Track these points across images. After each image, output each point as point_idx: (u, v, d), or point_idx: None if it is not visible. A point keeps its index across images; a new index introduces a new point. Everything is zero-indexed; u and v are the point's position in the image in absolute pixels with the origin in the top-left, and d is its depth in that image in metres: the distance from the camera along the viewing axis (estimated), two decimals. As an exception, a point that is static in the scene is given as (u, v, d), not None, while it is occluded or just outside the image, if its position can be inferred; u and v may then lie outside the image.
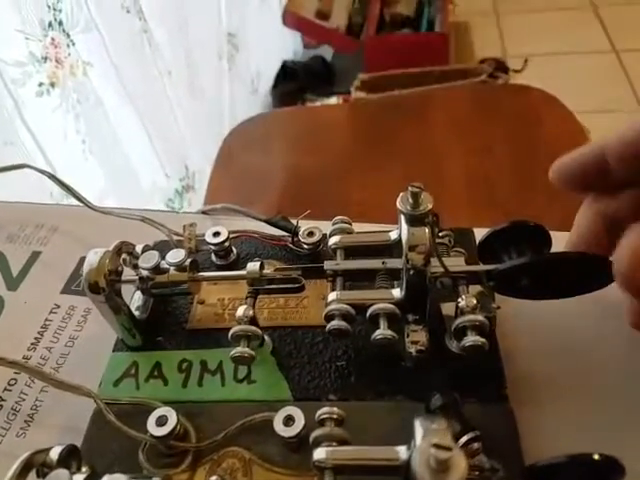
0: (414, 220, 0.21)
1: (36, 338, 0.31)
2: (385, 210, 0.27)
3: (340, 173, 0.71)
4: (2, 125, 0.51)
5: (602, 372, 0.24)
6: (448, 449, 0.13)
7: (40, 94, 0.55)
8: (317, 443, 0.19)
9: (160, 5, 0.84)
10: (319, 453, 0.18)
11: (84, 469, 0.21)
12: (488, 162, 0.63)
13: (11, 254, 0.36)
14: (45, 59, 0.55)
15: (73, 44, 0.59)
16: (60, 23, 0.57)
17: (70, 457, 0.20)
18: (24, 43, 0.53)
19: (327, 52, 1.84)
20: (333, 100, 1.53)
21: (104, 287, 0.23)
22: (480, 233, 0.26)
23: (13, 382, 0.29)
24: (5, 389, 0.29)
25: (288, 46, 1.78)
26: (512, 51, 1.75)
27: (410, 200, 0.21)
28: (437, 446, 0.13)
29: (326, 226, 0.29)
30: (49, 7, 0.56)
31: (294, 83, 1.71)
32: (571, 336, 0.26)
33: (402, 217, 0.22)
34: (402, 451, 0.17)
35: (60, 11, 0.57)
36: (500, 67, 1.66)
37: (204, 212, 0.37)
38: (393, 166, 0.69)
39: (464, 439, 0.19)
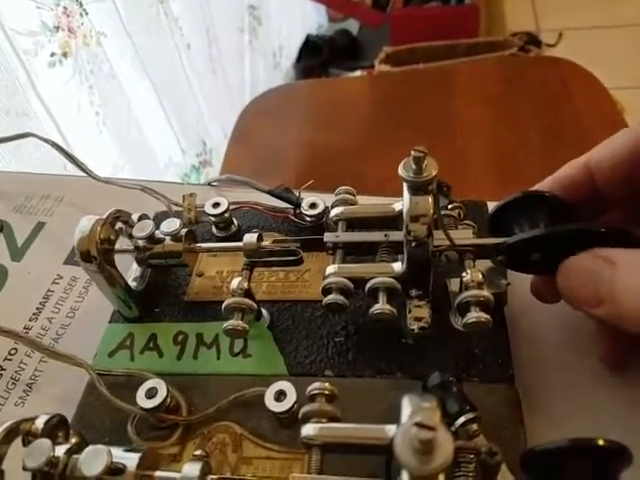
0: (417, 188, 0.20)
1: (38, 308, 0.31)
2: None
3: (359, 148, 0.69)
4: (15, 96, 0.51)
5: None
6: (432, 429, 0.12)
7: (52, 64, 0.54)
8: (306, 419, 0.18)
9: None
10: (307, 429, 0.17)
11: (73, 440, 0.20)
12: (515, 136, 0.60)
13: (17, 224, 0.36)
14: (57, 28, 0.54)
15: (86, 13, 0.58)
16: (72, -10, 0.56)
17: (57, 427, 0.20)
18: (36, 12, 0.52)
19: (353, 26, 1.79)
20: (357, 75, 1.50)
21: (96, 256, 0.22)
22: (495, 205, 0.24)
23: (13, 352, 0.29)
24: (5, 358, 0.29)
25: (312, 20, 1.74)
26: (545, 25, 1.68)
27: (413, 166, 0.20)
28: (420, 425, 0.12)
29: (331, 198, 0.28)
30: (62, -25, 0.56)
31: (318, 58, 1.68)
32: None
33: (404, 185, 0.20)
34: (392, 430, 0.16)
35: (72, -22, 0.57)
36: (533, 40, 1.59)
37: (209, 184, 0.36)
38: (414, 140, 0.67)
39: (462, 420, 0.18)
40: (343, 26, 1.80)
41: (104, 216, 0.23)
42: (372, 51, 1.62)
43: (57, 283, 0.32)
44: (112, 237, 0.23)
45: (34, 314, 0.30)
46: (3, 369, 0.28)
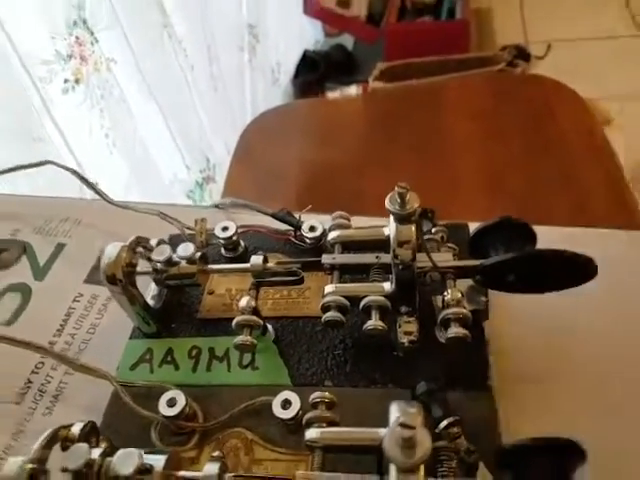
0: (401, 219, 0.23)
1: (61, 325, 0.33)
2: None
3: (357, 165, 0.72)
4: (31, 122, 0.54)
5: (588, 370, 0.25)
6: (412, 428, 0.15)
7: (65, 91, 0.57)
8: (309, 424, 0.21)
9: (181, 2, 0.85)
10: (310, 433, 0.20)
11: (103, 444, 0.23)
12: (502, 152, 0.63)
13: (38, 246, 0.38)
14: (70, 57, 0.57)
15: (97, 41, 0.61)
16: (84, 21, 0.60)
17: (90, 433, 0.23)
18: (50, 42, 0.55)
19: (348, 41, 1.83)
20: (352, 89, 1.53)
21: (121, 279, 0.25)
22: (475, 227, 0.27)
23: (40, 365, 0.32)
24: (32, 372, 0.31)
25: (309, 35, 1.78)
26: (534, 37, 1.72)
27: (398, 200, 0.22)
28: (403, 425, 0.15)
29: (327, 220, 0.30)
30: (74, 6, 0.59)
31: (315, 72, 1.72)
32: (563, 331, 0.27)
33: (391, 216, 0.23)
34: (382, 432, 0.18)
35: (84, 9, 0.60)
36: (521, 54, 1.63)
37: (217, 206, 0.39)
38: (409, 157, 0.70)
39: (444, 423, 0.20)
40: (338, 41, 1.85)
41: (127, 242, 0.26)
42: (367, 65, 1.66)
43: (78, 301, 0.34)
44: (134, 261, 0.26)
45: (57, 330, 0.33)
46: (30, 382, 0.31)
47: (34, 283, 0.36)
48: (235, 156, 0.79)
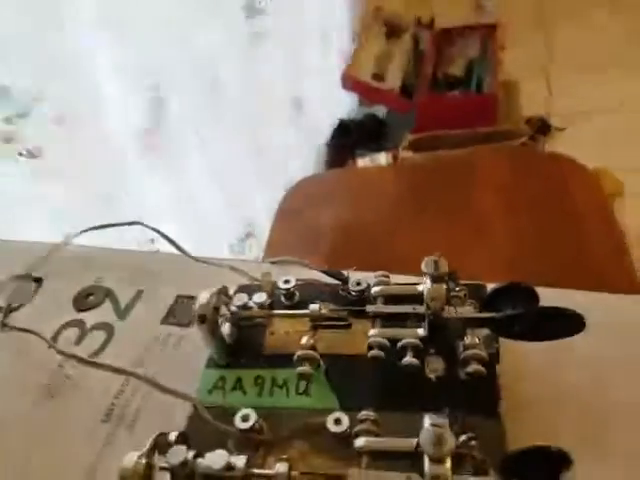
0: (435, 279, 0.29)
1: (139, 358, 0.40)
2: None
3: (387, 229, 0.79)
4: (111, 184, 0.63)
5: (583, 401, 0.31)
6: (441, 427, 0.21)
7: (141, 157, 0.67)
8: (358, 435, 0.26)
9: (236, 76, 0.97)
10: (360, 441, 0.26)
11: (192, 451, 0.29)
12: (522, 223, 0.70)
13: (120, 291, 0.45)
14: (146, 129, 0.67)
15: (167, 115, 0.72)
16: (159, 99, 0.70)
17: (181, 440, 0.29)
18: (131, 115, 0.65)
19: (381, 109, 1.96)
20: (382, 156, 1.63)
21: (209, 319, 0.32)
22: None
23: (122, 392, 0.38)
24: (116, 396, 0.38)
25: (345, 105, 1.91)
26: (557, 109, 1.81)
27: (432, 264, 0.29)
28: (434, 425, 0.21)
29: (369, 277, 0.37)
30: (151, 86, 0.69)
31: (347, 139, 1.84)
32: (562, 371, 0.33)
33: (425, 276, 0.30)
34: (415, 441, 0.24)
35: (159, 88, 0.70)
36: (544, 125, 1.72)
37: (272, 262, 0.46)
38: (436, 223, 0.77)
39: (463, 437, 0.26)
40: (371, 110, 1.97)
41: (214, 290, 0.33)
42: (397, 133, 1.77)
43: (155, 338, 0.41)
44: (219, 305, 0.33)
45: (137, 362, 0.39)
46: (113, 404, 0.37)
47: (117, 322, 0.43)
48: (277, 216, 0.88)
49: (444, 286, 0.29)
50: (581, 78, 1.90)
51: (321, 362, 0.33)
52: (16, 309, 0.44)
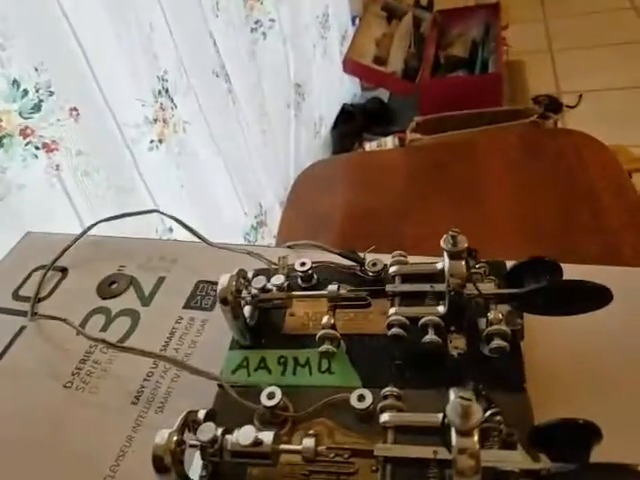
0: (453, 256, 0.30)
1: (165, 342, 0.41)
2: (437, 243, 0.34)
3: (396, 211, 0.79)
4: (124, 175, 0.64)
5: (608, 378, 0.31)
6: (469, 400, 0.21)
7: (151, 149, 0.67)
8: (383, 410, 0.27)
9: (240, 66, 0.97)
10: (384, 416, 0.27)
11: (220, 428, 0.29)
12: (534, 201, 0.70)
13: (142, 279, 0.46)
14: (155, 121, 0.68)
15: (176, 107, 0.72)
16: (167, 90, 0.71)
17: (211, 418, 0.30)
18: (140, 109, 0.66)
19: (384, 93, 1.95)
20: (389, 139, 1.63)
21: (231, 301, 0.32)
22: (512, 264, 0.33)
23: (150, 374, 0.39)
24: (144, 379, 0.39)
25: (347, 90, 1.91)
26: (566, 87, 1.80)
27: (450, 240, 0.29)
28: (461, 397, 0.21)
29: (386, 258, 0.37)
30: (158, 78, 0.70)
31: (352, 124, 1.83)
32: (586, 347, 0.33)
33: (445, 253, 0.30)
34: (440, 416, 0.25)
35: (167, 80, 0.71)
36: (553, 104, 1.71)
37: (289, 246, 0.46)
38: (444, 205, 0.77)
39: (489, 412, 0.26)
40: (375, 94, 1.97)
41: (234, 273, 0.33)
42: (402, 117, 1.77)
43: (179, 323, 0.42)
44: (240, 288, 0.33)
45: (163, 346, 0.40)
46: (143, 387, 0.38)
47: (141, 308, 0.44)
48: (288, 203, 0.88)
49: (463, 263, 0.29)
50: (589, 55, 1.88)
51: (342, 342, 0.34)
52: (44, 299, 0.45)
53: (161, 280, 0.46)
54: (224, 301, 0.32)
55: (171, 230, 0.68)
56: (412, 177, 0.86)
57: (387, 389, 0.28)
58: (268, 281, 0.35)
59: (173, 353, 0.40)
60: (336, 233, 0.81)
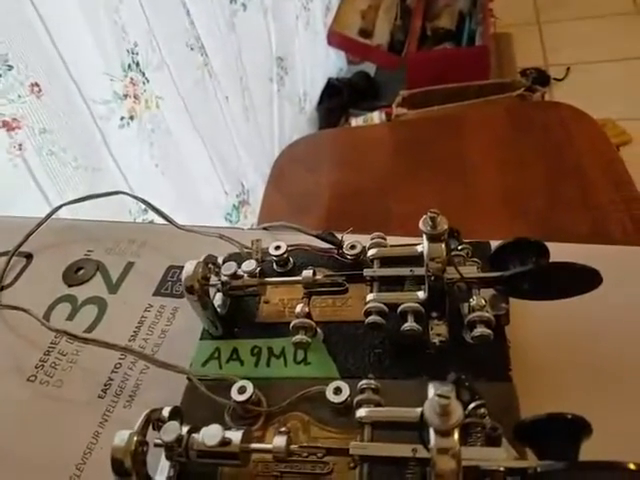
0: (433, 238, 0.27)
1: (134, 331, 0.38)
2: None
3: (382, 188, 0.77)
4: (92, 154, 0.61)
5: (599, 367, 0.30)
6: (447, 398, 0.19)
7: (122, 127, 0.64)
8: (359, 405, 0.25)
9: (217, 38, 0.93)
10: (361, 412, 0.25)
11: (186, 426, 0.28)
12: (521, 176, 0.68)
13: (110, 264, 0.44)
14: (125, 96, 0.64)
15: (147, 81, 0.69)
16: (137, 64, 0.67)
17: (176, 415, 0.28)
18: (109, 84, 0.63)
19: (370, 67, 1.91)
20: (376, 115, 1.59)
21: (197, 289, 0.30)
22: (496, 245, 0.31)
23: (118, 366, 0.37)
24: (112, 371, 0.37)
25: (333, 64, 1.86)
26: (554, 60, 1.77)
27: (430, 222, 0.27)
28: (439, 396, 0.19)
29: (366, 239, 0.35)
30: (128, 51, 0.66)
31: (338, 99, 1.79)
32: (575, 332, 0.32)
33: (424, 235, 0.28)
34: (419, 410, 0.23)
35: (137, 54, 0.67)
36: (541, 77, 1.68)
37: (265, 228, 0.44)
38: (431, 181, 0.75)
39: (472, 405, 0.25)
40: (361, 68, 1.92)
41: (201, 259, 0.31)
42: (389, 91, 1.73)
43: (149, 311, 0.39)
44: (207, 275, 0.31)
45: (132, 336, 0.38)
46: (111, 379, 0.36)
47: (109, 296, 0.42)
48: (270, 181, 0.85)
49: (443, 245, 0.27)
50: (576, 27, 1.85)
51: (318, 330, 0.32)
52: (8, 286, 0.43)
53: (130, 265, 0.43)
54: (190, 290, 0.30)
55: (146, 211, 0.65)
56: (398, 153, 0.84)
57: (364, 382, 0.26)
58: (239, 267, 0.32)
59: (142, 344, 0.38)
60: (321, 213, 0.79)
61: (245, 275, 0.32)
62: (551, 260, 0.29)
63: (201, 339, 0.34)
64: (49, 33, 0.53)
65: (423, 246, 0.28)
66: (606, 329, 0.32)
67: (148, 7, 0.68)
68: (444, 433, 0.20)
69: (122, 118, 0.64)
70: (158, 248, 0.44)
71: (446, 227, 0.27)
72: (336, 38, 1.66)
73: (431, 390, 0.22)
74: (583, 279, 0.27)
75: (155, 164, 0.70)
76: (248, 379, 0.30)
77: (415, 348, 0.30)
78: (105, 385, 0.36)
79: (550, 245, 0.29)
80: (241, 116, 1.05)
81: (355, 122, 1.63)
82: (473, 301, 0.28)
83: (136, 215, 0.65)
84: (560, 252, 0.29)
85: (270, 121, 1.28)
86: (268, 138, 1.26)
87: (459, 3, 1.88)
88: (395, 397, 0.27)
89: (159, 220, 0.45)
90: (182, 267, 0.41)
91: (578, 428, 0.22)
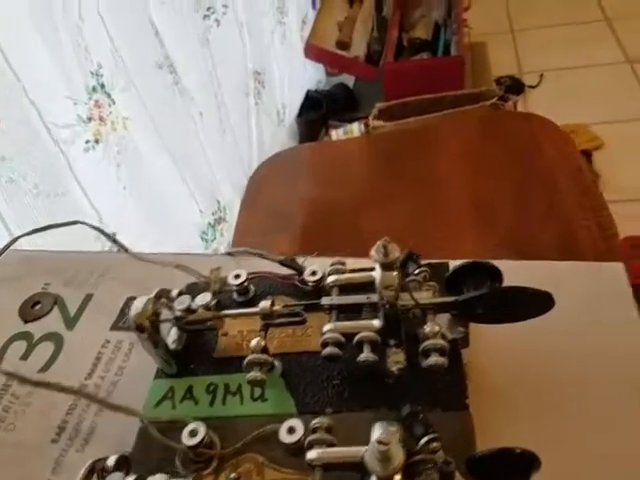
0: (385, 266, 0.27)
1: (91, 369, 0.37)
2: (395, 237, 0.31)
3: (357, 204, 0.76)
4: (55, 180, 0.59)
5: (555, 388, 0.29)
6: (386, 444, 0.18)
7: (87, 150, 0.63)
8: (310, 446, 0.24)
9: (190, 55, 0.92)
10: (310, 454, 0.24)
11: (132, 476, 0.26)
12: (491, 186, 0.67)
13: (68, 297, 0.43)
14: (90, 119, 0.63)
15: (114, 103, 0.67)
16: (102, 86, 0.66)
17: (122, 464, 0.26)
18: (72, 107, 0.61)
19: (349, 79, 1.91)
20: (355, 126, 1.59)
21: (147, 327, 0.29)
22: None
23: (74, 407, 0.35)
24: (67, 413, 0.35)
25: (312, 76, 1.86)
26: (528, 67, 1.78)
27: (382, 250, 0.26)
28: (379, 442, 0.18)
29: (328, 263, 0.34)
30: (92, 73, 0.65)
31: (318, 111, 1.79)
32: (534, 354, 0.31)
33: (377, 264, 0.27)
34: (364, 449, 0.22)
35: (102, 75, 0.66)
36: (515, 85, 1.69)
37: (229, 253, 0.43)
38: (405, 194, 0.74)
39: (424, 440, 0.24)
40: (340, 79, 1.92)
41: (152, 295, 0.30)
42: (369, 102, 1.73)
43: (106, 347, 0.38)
44: (158, 311, 0.30)
45: (88, 374, 0.37)
46: (65, 422, 0.35)
47: (66, 332, 0.40)
48: (245, 199, 0.84)
49: (395, 273, 0.27)
50: (549, 34, 1.87)
51: (276, 363, 0.31)
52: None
53: (88, 298, 0.42)
54: (140, 328, 0.29)
55: (115, 234, 0.63)
56: (372, 169, 0.83)
57: (317, 421, 0.25)
58: (194, 299, 0.31)
59: (98, 382, 0.36)
60: (295, 231, 0.77)
61: (200, 309, 0.31)
62: (508, 282, 0.28)
63: (155, 378, 0.32)
64: (4, 56, 0.52)
65: (376, 274, 0.27)
66: (560, 346, 0.31)
67: (112, 27, 0.67)
68: (385, 479, 0.19)
69: (87, 141, 0.63)
70: (118, 278, 0.43)
71: (398, 255, 0.26)
72: (313, 51, 1.66)
73: (375, 432, 0.21)
74: (536, 302, 0.27)
75: (123, 186, 0.69)
76: (203, 419, 0.29)
77: (374, 377, 0.29)
78: (59, 428, 0.34)
79: (506, 263, 0.29)
80: (217, 132, 1.04)
81: (335, 133, 1.63)
82: (427, 328, 0.27)
83: (104, 240, 0.63)
84: (517, 269, 0.28)
85: (248, 135, 1.28)
86: (246, 152, 1.25)
87: (434, 13, 1.90)
88: (351, 432, 0.26)
89: (128, 243, 0.44)
90: (141, 298, 0.40)
91: (528, 462, 0.21)
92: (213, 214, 0.97)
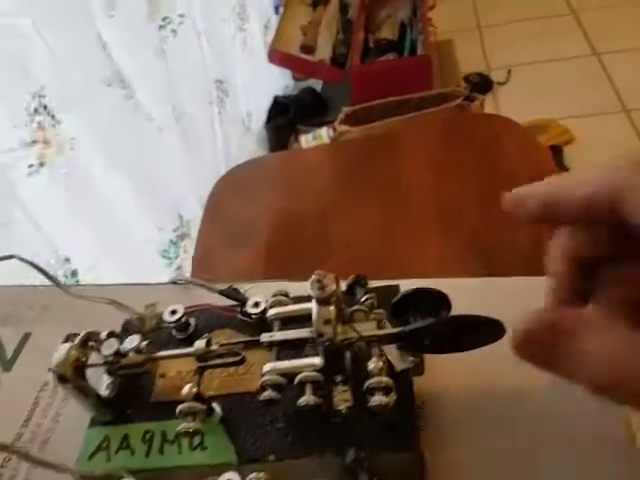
0: (321, 301, 0.25)
1: (28, 415, 0.35)
2: (362, 246, 0.29)
3: (322, 215, 0.74)
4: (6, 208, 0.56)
5: (514, 420, 0.27)
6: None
7: (31, 174, 0.60)
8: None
9: (143, 69, 0.90)
10: (245, 514, 0.22)
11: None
12: (457, 190, 0.66)
13: (5, 337, 0.40)
14: (34, 142, 0.60)
15: (59, 123, 0.65)
16: (45, 107, 0.63)
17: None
18: (13, 131, 0.58)
19: (317, 83, 1.90)
20: (324, 130, 1.58)
21: (70, 378, 0.27)
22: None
23: (8, 459, 0.33)
24: (2, 465, 0.33)
25: (279, 81, 1.84)
26: (496, 64, 1.79)
27: (317, 284, 0.25)
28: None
29: (290, 286, 0.32)
30: (34, 95, 0.62)
31: (286, 117, 1.77)
32: (492, 382, 0.29)
33: (313, 299, 0.25)
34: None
35: (44, 96, 0.63)
36: (484, 81, 1.69)
37: (174, 282, 0.41)
38: (370, 202, 0.73)
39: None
40: (307, 84, 1.91)
41: (76, 341, 0.28)
42: (337, 105, 1.71)
43: (44, 390, 0.36)
44: (83, 358, 0.28)
45: (25, 421, 0.34)
46: (0, 475, 0.32)
47: (2, 375, 0.38)
48: (205, 213, 0.81)
49: (332, 308, 0.25)
50: (515, 29, 1.88)
51: (216, 408, 0.29)
52: None
53: (26, 337, 0.40)
54: (62, 379, 0.27)
55: (68, 260, 0.61)
56: (337, 177, 0.81)
57: (252, 476, 0.23)
58: (122, 342, 0.29)
59: (35, 429, 0.34)
60: (259, 245, 0.75)
61: (130, 352, 0.29)
62: (457, 311, 0.26)
63: (90, 426, 0.30)
64: None
65: (312, 309, 0.25)
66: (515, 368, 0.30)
67: (56, 45, 0.64)
68: None
69: (31, 165, 0.60)
70: (58, 313, 0.41)
71: (334, 288, 0.25)
72: (277, 56, 1.64)
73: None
74: (487, 330, 0.25)
75: (73, 209, 0.66)
76: (139, 471, 0.27)
77: (319, 419, 0.27)
78: (-9, 483, 0.32)
79: (461, 282, 0.27)
80: (178, 144, 1.01)
81: (304, 139, 1.61)
82: (371, 364, 0.25)
83: (57, 266, 0.60)
84: (473, 286, 0.27)
85: (213, 145, 1.25)
86: (212, 163, 1.22)
87: (400, 13, 1.89)
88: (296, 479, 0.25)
89: (83, 268, 0.41)
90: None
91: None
92: (175, 230, 0.95)
